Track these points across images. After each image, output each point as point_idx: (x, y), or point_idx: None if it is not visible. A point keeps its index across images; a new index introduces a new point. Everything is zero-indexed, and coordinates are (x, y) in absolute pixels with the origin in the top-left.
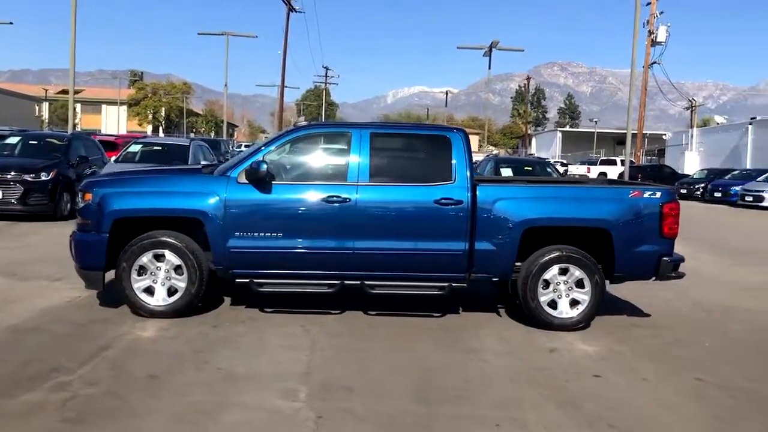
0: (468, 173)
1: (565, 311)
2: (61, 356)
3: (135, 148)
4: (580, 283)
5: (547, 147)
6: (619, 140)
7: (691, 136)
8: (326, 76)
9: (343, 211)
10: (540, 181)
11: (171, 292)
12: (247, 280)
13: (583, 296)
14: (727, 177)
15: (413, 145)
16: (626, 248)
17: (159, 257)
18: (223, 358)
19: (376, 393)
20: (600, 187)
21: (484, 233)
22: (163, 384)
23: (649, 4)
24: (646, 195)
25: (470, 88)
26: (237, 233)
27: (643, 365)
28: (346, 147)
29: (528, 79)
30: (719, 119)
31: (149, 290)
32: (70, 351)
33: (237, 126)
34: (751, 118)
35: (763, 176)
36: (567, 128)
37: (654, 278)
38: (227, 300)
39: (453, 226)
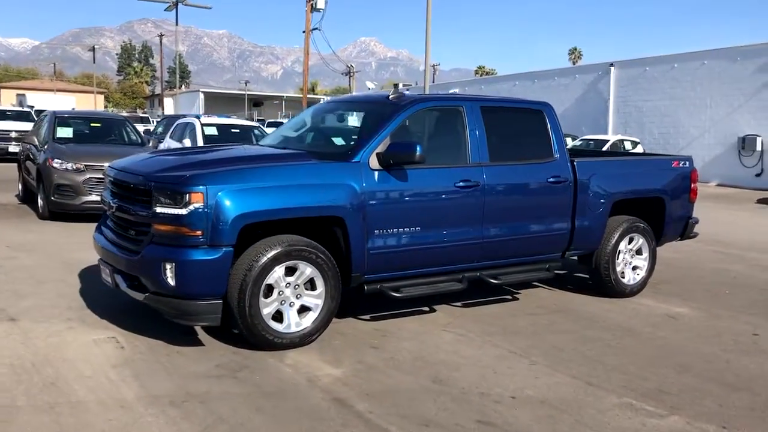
0: (565, 149)
1: (631, 278)
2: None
3: None
4: (639, 251)
5: (186, 108)
6: (255, 102)
7: None
8: None
9: (474, 197)
10: (600, 154)
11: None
12: (378, 286)
13: (642, 262)
14: None
15: (514, 120)
16: (672, 213)
17: (289, 270)
18: (482, 383)
19: (689, 391)
20: (653, 159)
21: (582, 210)
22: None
23: None
24: (681, 164)
25: (55, 41)
26: (377, 231)
27: (755, 320)
28: (460, 123)
29: (160, 36)
30: (370, 84)
31: (275, 315)
32: (317, 420)
33: None
34: (404, 84)
35: None
36: (210, 89)
37: (679, 239)
38: None
39: (562, 205)
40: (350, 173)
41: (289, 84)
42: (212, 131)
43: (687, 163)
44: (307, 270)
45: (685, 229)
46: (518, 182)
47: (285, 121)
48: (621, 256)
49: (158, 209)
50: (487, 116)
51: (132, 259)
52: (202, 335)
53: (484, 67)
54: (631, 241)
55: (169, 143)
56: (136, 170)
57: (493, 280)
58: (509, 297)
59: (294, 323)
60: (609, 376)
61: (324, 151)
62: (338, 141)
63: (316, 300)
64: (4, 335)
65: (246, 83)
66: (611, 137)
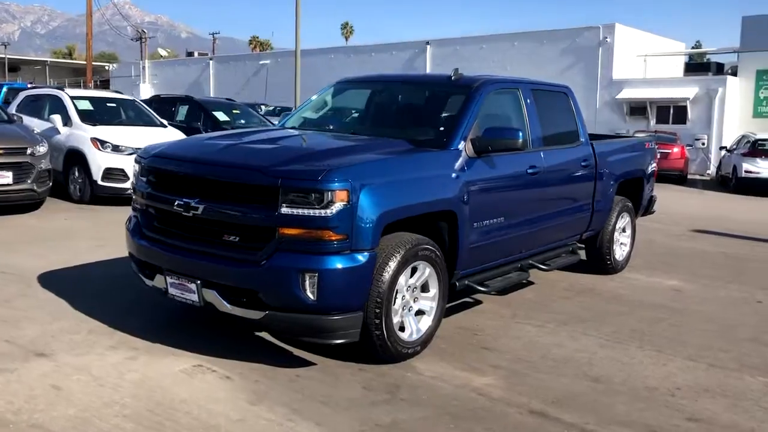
0: (587, 132)
1: (620, 255)
2: None
3: None
4: (624, 228)
5: None
6: (11, 66)
7: (143, 68)
8: None
9: (538, 182)
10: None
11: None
12: (466, 282)
13: (627, 239)
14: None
15: (550, 102)
16: (646, 192)
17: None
18: (630, 377)
19: None
20: (635, 140)
21: (600, 192)
22: None
23: None
24: (650, 145)
25: None
26: (475, 224)
27: (743, 288)
28: (519, 106)
29: None
30: (163, 52)
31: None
32: None
33: None
34: (201, 54)
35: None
36: None
37: (642, 214)
38: None
39: (588, 187)
40: (455, 162)
41: (30, 47)
42: (86, 105)
43: (652, 143)
44: (426, 271)
45: (649, 206)
46: (564, 167)
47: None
48: (615, 234)
49: (288, 210)
50: (536, 99)
51: (247, 270)
52: (299, 352)
53: (257, 38)
54: (621, 219)
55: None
56: (239, 162)
57: (543, 267)
58: (524, 281)
59: (415, 330)
60: (715, 355)
61: (412, 138)
62: (416, 125)
63: (430, 302)
64: (61, 376)
65: (5, 45)
66: None
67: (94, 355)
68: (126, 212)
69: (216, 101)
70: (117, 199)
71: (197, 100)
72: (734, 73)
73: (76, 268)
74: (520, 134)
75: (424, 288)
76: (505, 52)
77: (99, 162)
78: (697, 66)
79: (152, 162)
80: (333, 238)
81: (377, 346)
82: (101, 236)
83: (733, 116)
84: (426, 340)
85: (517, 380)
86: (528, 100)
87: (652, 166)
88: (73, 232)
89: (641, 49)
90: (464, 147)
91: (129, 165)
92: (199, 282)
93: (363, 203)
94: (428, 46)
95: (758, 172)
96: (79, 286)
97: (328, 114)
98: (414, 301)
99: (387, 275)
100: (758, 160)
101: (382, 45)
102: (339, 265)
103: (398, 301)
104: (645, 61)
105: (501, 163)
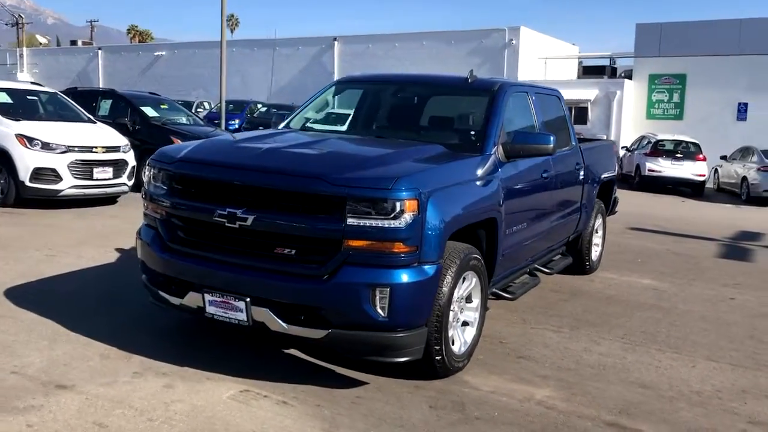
0: (575, 134)
1: (595, 256)
2: None
3: None
4: (597, 230)
5: None
6: None
7: (20, 55)
8: None
9: (549, 186)
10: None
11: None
12: (493, 290)
13: (599, 240)
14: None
15: (549, 106)
16: (614, 192)
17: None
18: (671, 382)
19: None
20: (609, 143)
21: (586, 194)
22: None
23: None
24: (617, 149)
25: None
26: (507, 230)
27: (710, 286)
28: (529, 109)
29: None
30: (42, 39)
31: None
32: None
33: None
34: (85, 43)
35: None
36: None
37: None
38: None
39: (579, 189)
40: (492, 167)
41: None
42: (4, 98)
43: (617, 147)
44: (473, 281)
45: (613, 207)
46: (565, 170)
47: None
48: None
49: (355, 221)
50: (540, 103)
51: (309, 286)
52: (342, 370)
53: (136, 27)
54: (597, 221)
55: None
56: (295, 170)
57: (546, 270)
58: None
59: (463, 342)
60: (730, 355)
61: (443, 142)
62: (442, 129)
63: (474, 313)
64: (100, 412)
65: None
66: None
67: (123, 384)
68: (58, 215)
69: (142, 96)
70: (44, 201)
71: (122, 94)
72: (629, 77)
73: (41, 282)
74: (552, 139)
75: (468, 298)
76: (414, 51)
77: (27, 161)
78: (592, 69)
79: (179, 167)
80: (403, 250)
81: (435, 362)
82: (46, 244)
83: (628, 117)
84: (471, 353)
85: (572, 390)
86: (535, 104)
87: (617, 169)
88: (10, 239)
89: (542, 52)
90: (496, 151)
91: (61, 164)
92: (248, 299)
93: (430, 213)
94: (335, 43)
95: (660, 171)
96: (57, 303)
97: (336, 115)
98: (461, 313)
99: (446, 288)
100: (660, 159)
101: (287, 39)
102: (410, 279)
103: (451, 313)
104: (545, 64)
105: (524, 168)
